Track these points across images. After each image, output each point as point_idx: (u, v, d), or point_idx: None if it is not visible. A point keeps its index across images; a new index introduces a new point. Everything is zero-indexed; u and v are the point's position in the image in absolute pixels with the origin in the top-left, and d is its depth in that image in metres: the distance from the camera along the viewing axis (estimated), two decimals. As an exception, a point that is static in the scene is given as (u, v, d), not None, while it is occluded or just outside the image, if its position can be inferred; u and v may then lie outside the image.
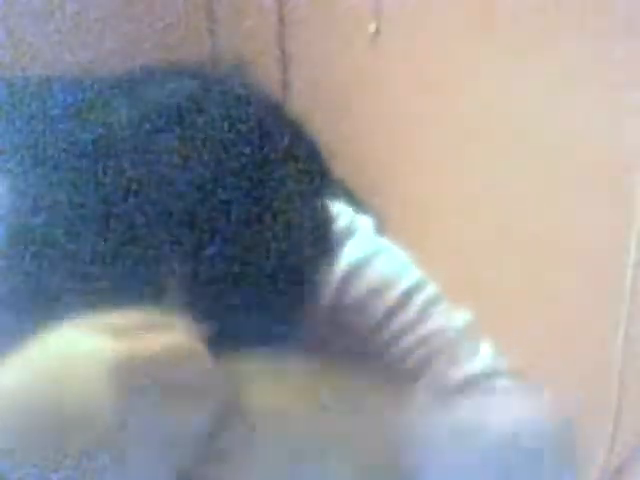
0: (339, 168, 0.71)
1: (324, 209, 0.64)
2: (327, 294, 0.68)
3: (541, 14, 1.49)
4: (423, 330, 0.72)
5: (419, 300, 0.73)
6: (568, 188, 1.52)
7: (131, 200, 0.54)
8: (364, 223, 0.76)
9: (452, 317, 0.75)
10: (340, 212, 0.72)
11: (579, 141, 1.48)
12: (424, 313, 0.73)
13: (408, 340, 0.72)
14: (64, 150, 0.57)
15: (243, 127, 0.59)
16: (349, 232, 0.73)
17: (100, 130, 0.56)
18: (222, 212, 0.56)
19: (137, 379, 0.50)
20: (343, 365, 0.62)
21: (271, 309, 0.58)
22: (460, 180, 1.73)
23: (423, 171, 1.80)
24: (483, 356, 0.73)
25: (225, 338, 0.53)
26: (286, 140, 0.62)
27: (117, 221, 0.54)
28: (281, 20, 2.08)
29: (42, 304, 0.54)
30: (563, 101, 1.49)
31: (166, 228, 0.55)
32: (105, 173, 0.55)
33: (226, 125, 0.58)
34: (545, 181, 1.56)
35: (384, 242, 0.77)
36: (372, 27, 1.82)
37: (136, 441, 0.50)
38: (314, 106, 1.63)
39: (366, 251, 0.74)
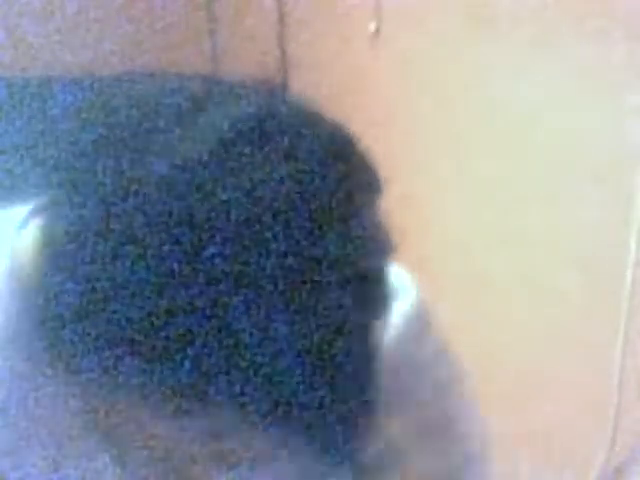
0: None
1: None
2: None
3: (541, 14, 1.49)
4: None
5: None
6: (568, 188, 1.52)
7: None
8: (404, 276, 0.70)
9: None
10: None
11: (579, 141, 1.48)
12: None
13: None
14: (63, 150, 0.57)
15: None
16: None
17: (100, 130, 0.54)
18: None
19: None
20: None
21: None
22: (460, 180, 1.73)
23: (423, 171, 1.80)
24: None
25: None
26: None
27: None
28: (281, 20, 2.07)
29: None
30: (563, 101, 1.49)
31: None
32: (105, 174, 0.54)
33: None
34: (545, 181, 1.56)
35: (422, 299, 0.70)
36: (372, 27, 1.82)
37: None
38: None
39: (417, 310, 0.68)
